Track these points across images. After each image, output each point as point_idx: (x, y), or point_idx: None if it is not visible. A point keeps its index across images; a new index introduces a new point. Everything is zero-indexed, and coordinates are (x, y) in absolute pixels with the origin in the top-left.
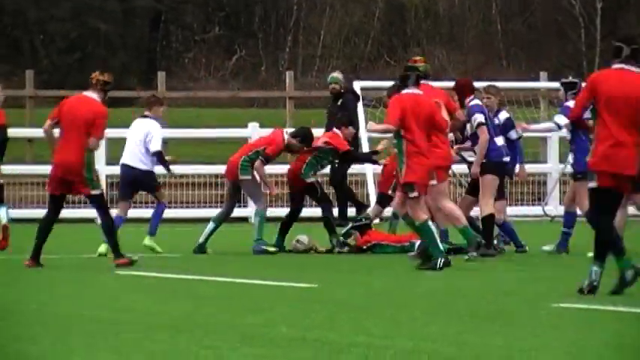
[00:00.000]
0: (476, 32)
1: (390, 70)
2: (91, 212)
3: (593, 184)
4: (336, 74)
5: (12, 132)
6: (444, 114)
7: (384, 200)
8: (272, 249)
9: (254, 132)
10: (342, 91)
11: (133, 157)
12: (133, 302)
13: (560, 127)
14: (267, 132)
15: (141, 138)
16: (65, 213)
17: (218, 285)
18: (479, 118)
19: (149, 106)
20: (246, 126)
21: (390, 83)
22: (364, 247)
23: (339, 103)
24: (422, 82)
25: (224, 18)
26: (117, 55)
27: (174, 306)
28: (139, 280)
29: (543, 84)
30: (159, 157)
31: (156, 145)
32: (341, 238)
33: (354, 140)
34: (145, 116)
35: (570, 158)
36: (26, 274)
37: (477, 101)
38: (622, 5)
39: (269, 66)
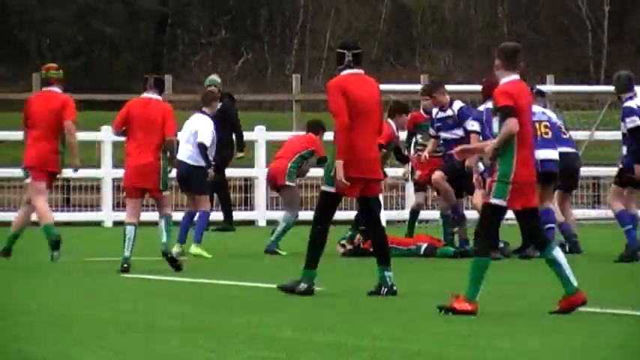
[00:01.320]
0: (482, 35)
1: (395, 72)
2: (96, 215)
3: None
4: (214, 77)
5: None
6: None
7: None
8: (283, 252)
9: (260, 135)
10: (220, 94)
11: (185, 152)
12: (136, 304)
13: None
14: (276, 135)
15: (193, 133)
16: (72, 216)
17: (224, 288)
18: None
19: (206, 101)
20: (252, 129)
21: (396, 87)
22: (370, 249)
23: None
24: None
25: (230, 21)
26: (122, 57)
27: (180, 308)
28: (141, 283)
29: (551, 87)
30: (202, 150)
31: (203, 137)
32: (343, 241)
33: (229, 144)
34: (202, 112)
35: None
36: (30, 275)
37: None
38: (628, 8)
39: (275, 69)
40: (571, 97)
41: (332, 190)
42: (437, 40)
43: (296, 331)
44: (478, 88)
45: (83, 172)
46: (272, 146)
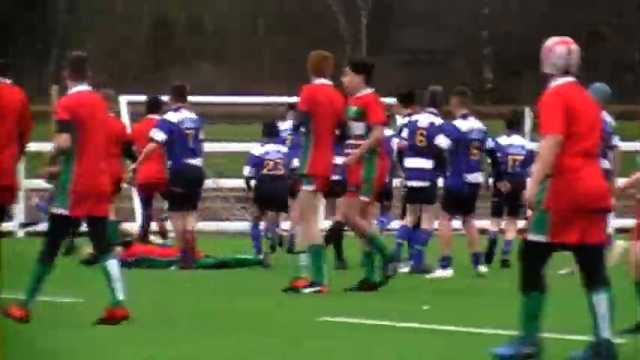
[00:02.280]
0: (242, 47)
1: (159, 82)
2: None
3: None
4: None
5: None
6: None
7: None
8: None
9: None
10: None
11: None
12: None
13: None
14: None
15: None
16: None
17: None
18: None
19: None
20: None
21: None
22: (129, 259)
23: None
24: None
25: None
26: None
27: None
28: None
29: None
30: None
31: None
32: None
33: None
34: None
35: None
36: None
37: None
38: (386, 23)
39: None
40: None
41: None
42: (197, 51)
43: None
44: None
45: None
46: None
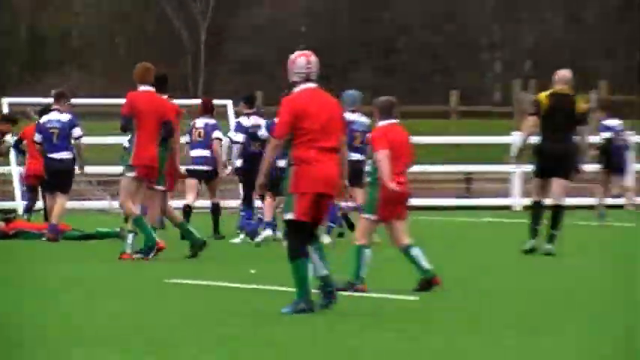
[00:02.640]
0: (104, 57)
1: (29, 87)
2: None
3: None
4: None
5: None
6: None
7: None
8: None
9: None
10: None
11: None
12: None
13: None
14: None
15: None
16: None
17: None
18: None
19: None
20: None
21: (29, 100)
22: (10, 232)
23: None
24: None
25: None
26: None
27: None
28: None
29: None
30: None
31: None
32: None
33: None
34: None
35: None
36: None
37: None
38: (223, 37)
39: None
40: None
41: None
42: (67, 60)
43: None
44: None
45: None
46: None
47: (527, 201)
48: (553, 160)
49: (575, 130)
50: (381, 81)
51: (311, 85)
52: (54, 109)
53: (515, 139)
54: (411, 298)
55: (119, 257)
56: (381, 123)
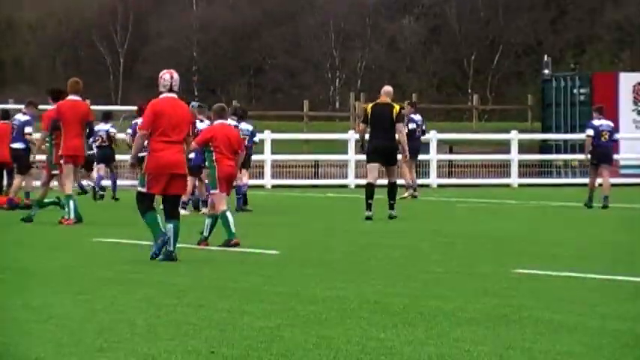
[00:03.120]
0: (48, 75)
1: None
2: None
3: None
4: None
5: None
6: None
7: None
8: None
9: None
10: None
11: None
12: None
13: None
14: None
15: None
16: None
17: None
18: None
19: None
20: None
21: None
22: None
23: None
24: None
25: None
26: None
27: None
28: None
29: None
30: None
31: None
32: None
33: None
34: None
35: None
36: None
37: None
38: (136, 59)
39: None
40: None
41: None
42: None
43: None
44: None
45: None
46: None
47: (360, 181)
48: (382, 152)
49: (394, 129)
50: (252, 93)
51: (171, 94)
52: (22, 112)
53: (350, 136)
54: (272, 252)
55: (59, 221)
56: (215, 122)
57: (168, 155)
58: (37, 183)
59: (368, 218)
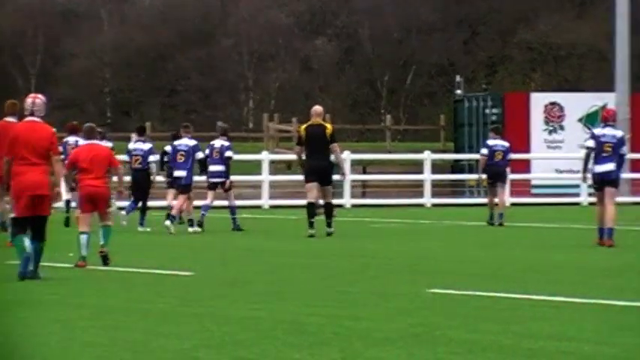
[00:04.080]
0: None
1: None
2: None
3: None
4: None
5: None
6: None
7: None
8: None
9: None
10: None
11: None
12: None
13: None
14: None
15: None
16: None
17: None
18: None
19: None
20: None
21: None
22: None
23: None
24: None
25: None
26: None
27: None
28: None
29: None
30: None
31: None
32: None
33: None
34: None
35: None
36: None
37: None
38: (49, 81)
39: None
40: None
41: None
42: None
43: None
44: None
45: None
46: None
47: (275, 202)
48: (317, 172)
49: (329, 149)
50: (165, 113)
51: (31, 118)
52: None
53: (264, 157)
54: (187, 273)
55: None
56: (85, 142)
57: (31, 177)
58: None
59: (311, 236)
